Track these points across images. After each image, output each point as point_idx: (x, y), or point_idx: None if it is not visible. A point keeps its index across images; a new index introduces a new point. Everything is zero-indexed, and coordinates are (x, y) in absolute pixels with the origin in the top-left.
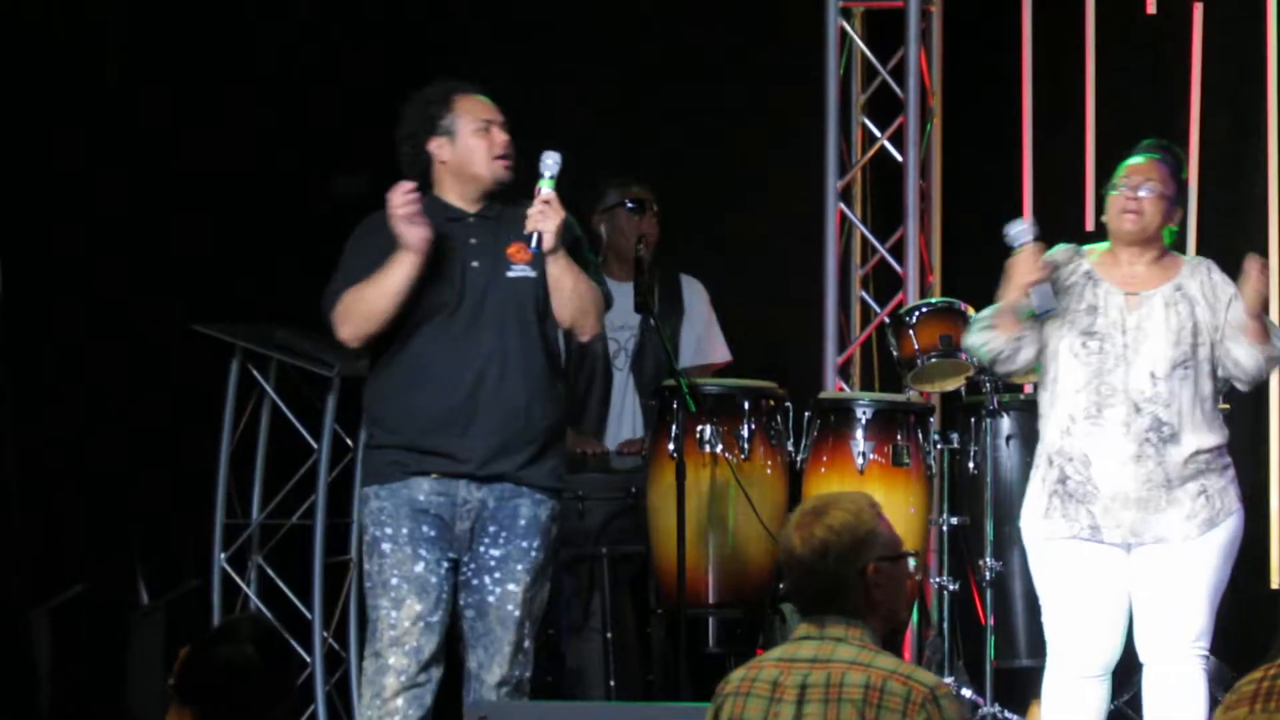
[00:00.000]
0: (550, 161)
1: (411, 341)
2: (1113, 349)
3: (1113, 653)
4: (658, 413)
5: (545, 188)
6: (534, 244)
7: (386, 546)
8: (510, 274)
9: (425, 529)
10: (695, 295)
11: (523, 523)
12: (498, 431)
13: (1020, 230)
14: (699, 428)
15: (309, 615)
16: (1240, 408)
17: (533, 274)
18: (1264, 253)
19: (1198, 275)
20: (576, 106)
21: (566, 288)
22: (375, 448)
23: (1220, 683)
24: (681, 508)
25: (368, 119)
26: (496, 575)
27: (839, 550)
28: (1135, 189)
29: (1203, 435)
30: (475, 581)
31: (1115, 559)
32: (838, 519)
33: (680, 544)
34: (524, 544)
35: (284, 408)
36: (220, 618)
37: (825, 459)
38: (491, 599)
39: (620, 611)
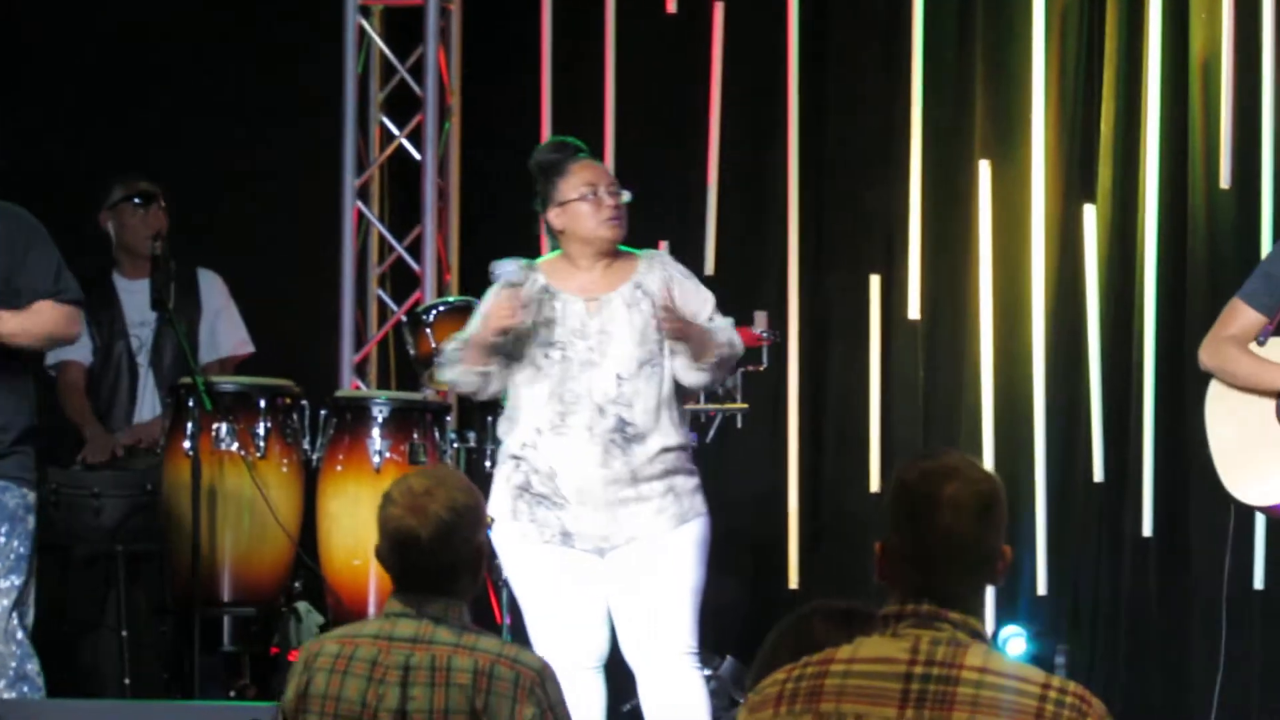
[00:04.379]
0: None
1: None
2: (576, 355)
3: (601, 645)
4: (174, 410)
5: None
6: None
7: None
8: None
9: None
10: (212, 288)
11: None
12: None
13: (504, 270)
14: (215, 425)
15: None
16: (758, 408)
17: None
18: (783, 254)
19: (655, 270)
20: (85, 99)
21: (29, 343)
22: None
23: (739, 685)
24: (196, 506)
25: None
26: None
27: (463, 530)
28: (615, 195)
29: (668, 435)
30: None
31: (590, 563)
32: (458, 498)
33: (195, 542)
34: None
35: None
36: None
37: (341, 457)
38: None
39: (135, 609)
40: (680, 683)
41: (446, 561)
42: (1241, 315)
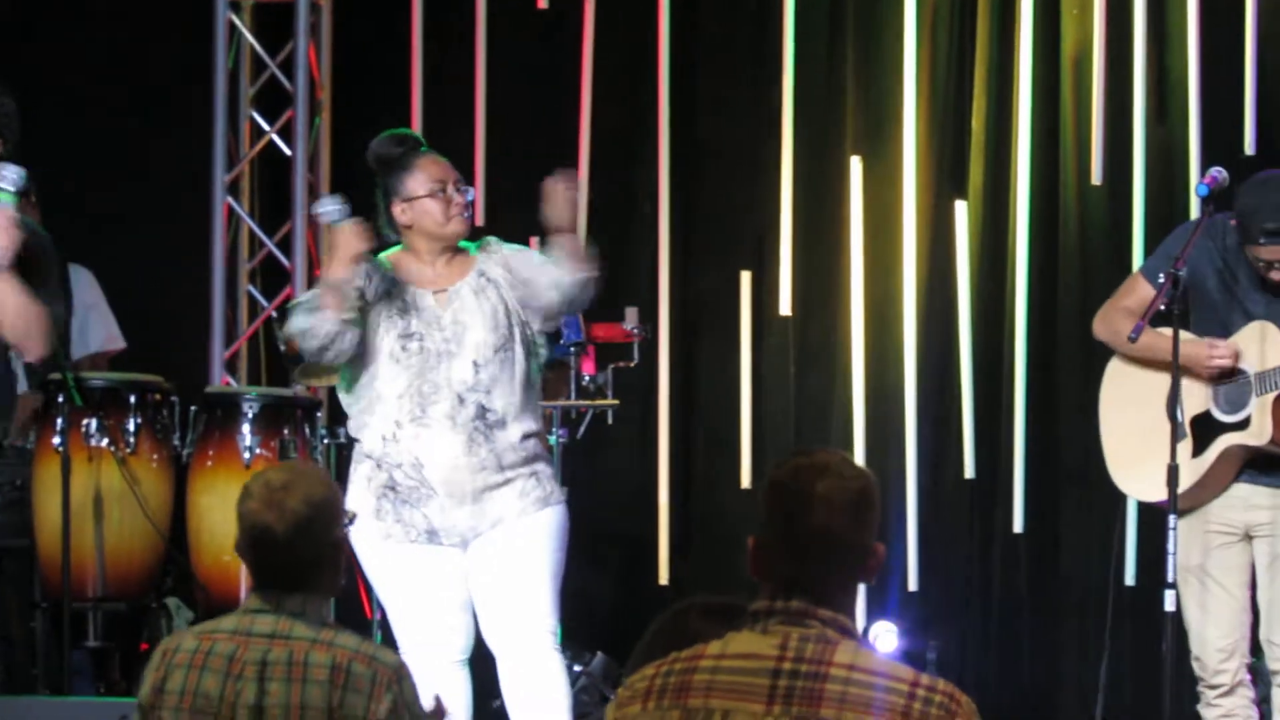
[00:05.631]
0: (11, 175)
1: None
2: (434, 345)
3: (466, 639)
4: (43, 405)
5: (5, 203)
6: None
7: None
8: None
9: None
10: (83, 284)
11: None
12: None
13: (333, 209)
14: (84, 421)
15: None
16: (629, 405)
17: None
18: (654, 250)
19: (493, 256)
20: None
21: (8, 309)
22: None
23: (610, 681)
24: (66, 501)
25: None
26: None
27: (320, 524)
28: (460, 192)
29: (527, 421)
30: None
31: (455, 558)
32: (315, 492)
33: (65, 538)
34: None
35: None
36: None
37: (212, 453)
38: None
39: (5, 605)
40: (539, 661)
41: (305, 557)
42: (1140, 289)
